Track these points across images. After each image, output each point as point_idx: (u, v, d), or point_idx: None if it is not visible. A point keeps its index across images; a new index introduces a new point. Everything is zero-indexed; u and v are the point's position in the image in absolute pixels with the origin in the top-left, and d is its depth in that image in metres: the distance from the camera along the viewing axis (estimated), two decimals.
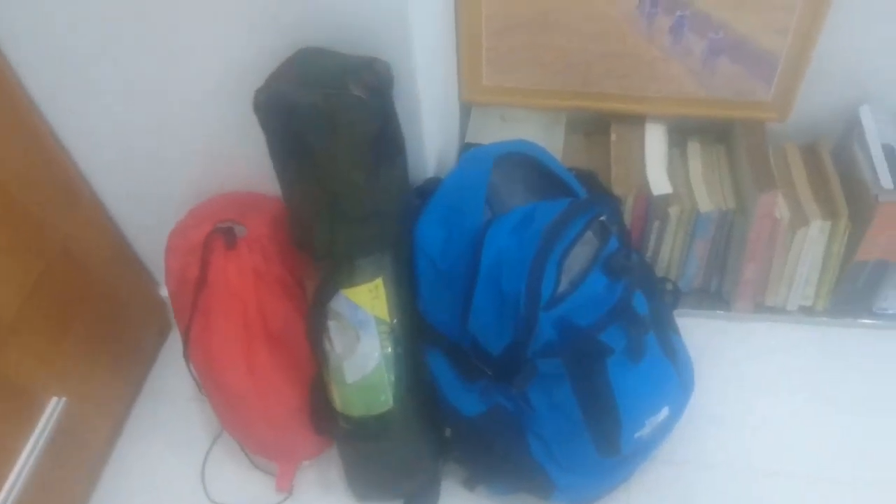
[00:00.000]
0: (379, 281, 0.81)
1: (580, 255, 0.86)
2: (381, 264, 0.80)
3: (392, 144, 0.75)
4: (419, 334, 0.90)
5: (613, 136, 1.12)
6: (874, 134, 1.05)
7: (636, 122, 1.13)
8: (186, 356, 0.92)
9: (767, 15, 0.98)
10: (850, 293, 1.14)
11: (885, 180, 1.00)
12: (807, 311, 1.17)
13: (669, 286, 1.10)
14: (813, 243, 1.07)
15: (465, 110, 1.18)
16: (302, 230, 0.77)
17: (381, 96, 0.71)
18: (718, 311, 1.18)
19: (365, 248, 0.77)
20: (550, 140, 1.13)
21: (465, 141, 1.02)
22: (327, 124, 0.68)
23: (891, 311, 1.16)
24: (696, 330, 1.11)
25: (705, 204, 1.06)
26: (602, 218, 0.91)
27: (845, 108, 1.10)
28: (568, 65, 1.08)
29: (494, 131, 1.14)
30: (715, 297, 1.20)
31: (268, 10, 0.75)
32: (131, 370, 1.18)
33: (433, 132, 0.93)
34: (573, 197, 0.94)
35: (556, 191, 0.94)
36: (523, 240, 0.84)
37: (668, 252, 1.13)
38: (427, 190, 0.90)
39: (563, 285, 0.84)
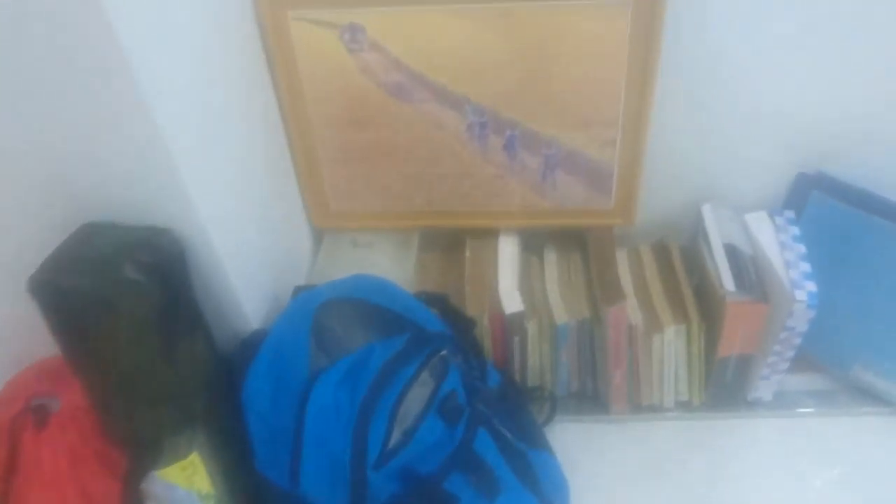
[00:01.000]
0: (194, 456, 0.75)
1: (416, 398, 0.82)
2: (194, 439, 0.74)
3: (186, 319, 0.71)
4: (255, 496, 0.84)
5: (468, 253, 1.11)
6: (716, 233, 1.05)
7: (490, 235, 1.12)
8: None
9: (592, 131, 0.98)
10: (722, 386, 1.13)
11: (728, 281, 1.00)
12: (685, 406, 1.15)
13: (546, 394, 1.07)
14: (671, 346, 1.05)
15: (320, 235, 1.15)
16: (102, 416, 0.72)
17: (165, 272, 0.67)
18: (598, 415, 1.16)
19: (170, 428, 0.72)
20: (403, 262, 1.10)
21: (298, 285, 0.98)
22: (103, 312, 0.64)
23: (765, 399, 1.15)
24: (577, 434, 1.09)
25: (561, 315, 1.05)
26: (443, 353, 0.88)
27: (690, 206, 1.12)
28: (410, 187, 1.07)
29: (346, 258, 1.12)
30: (593, 399, 1.17)
31: (43, 185, 0.71)
32: None
33: (253, 283, 0.89)
34: (418, 330, 0.91)
35: (397, 326, 0.91)
36: (351, 393, 0.79)
37: (537, 361, 1.10)
38: (253, 342, 0.85)
39: (396, 436, 0.80)
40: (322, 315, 0.86)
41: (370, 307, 0.89)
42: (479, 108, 0.97)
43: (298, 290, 0.95)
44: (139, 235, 0.68)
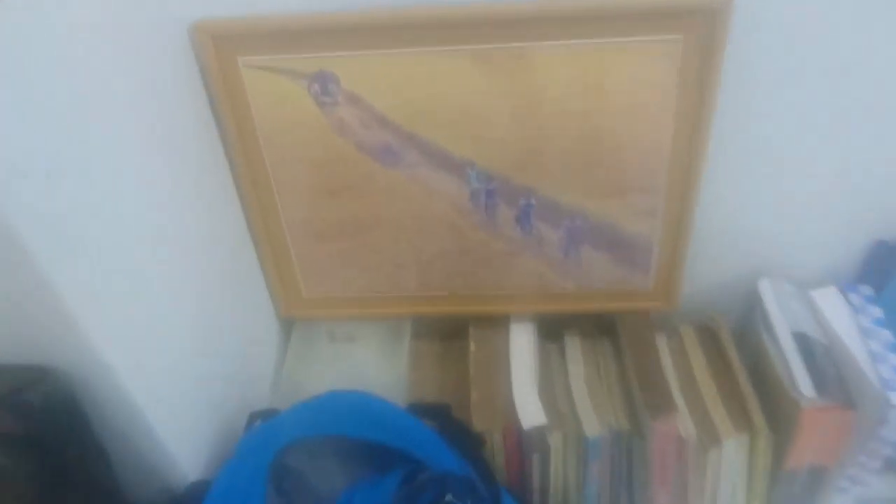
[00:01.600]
0: None
1: None
2: None
3: (83, 486, 0.49)
4: None
5: (472, 346, 0.90)
6: (780, 319, 0.85)
7: (500, 322, 0.91)
8: None
9: (627, 199, 0.78)
10: (788, 500, 0.91)
11: (805, 384, 0.79)
12: None
13: None
14: (731, 461, 0.84)
15: (288, 328, 0.94)
16: None
17: (45, 433, 0.46)
18: None
19: None
20: (393, 359, 0.89)
21: (254, 411, 0.77)
22: None
23: None
24: None
25: (592, 426, 0.83)
26: (447, 499, 0.66)
27: (740, 279, 0.92)
28: (400, 267, 0.87)
29: (321, 355, 0.90)
30: None
31: None
32: None
33: (189, 420, 0.68)
34: (413, 466, 0.70)
35: (386, 461, 0.70)
36: None
37: (561, 481, 0.89)
38: (189, 499, 0.64)
39: None
40: (285, 454, 0.65)
41: (349, 439, 0.68)
42: (485, 173, 0.77)
43: (254, 419, 0.73)
44: (6, 381, 0.47)
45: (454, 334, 0.94)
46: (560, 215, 0.80)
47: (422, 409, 0.80)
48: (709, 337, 0.92)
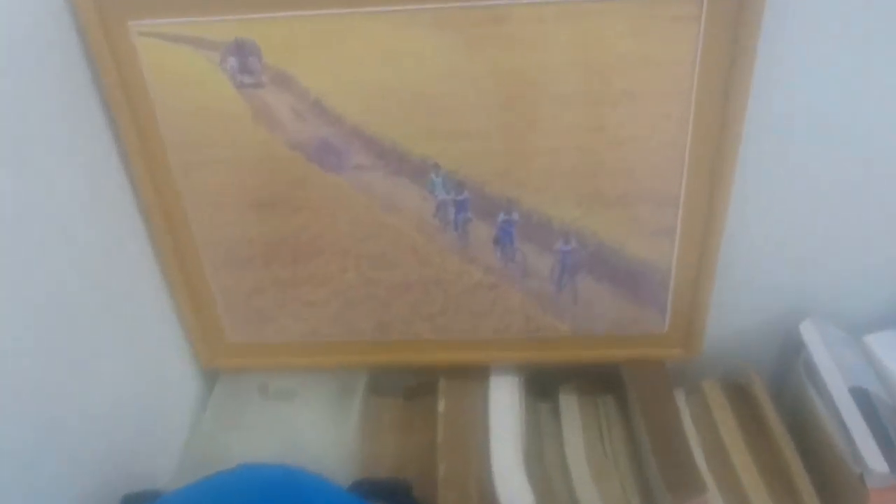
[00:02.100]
0: None
1: None
2: None
3: None
4: None
5: (442, 405, 0.71)
6: (832, 371, 0.67)
7: (477, 374, 0.73)
8: None
9: (636, 213, 0.61)
10: None
11: (871, 454, 0.61)
12: None
13: None
14: None
15: (212, 381, 0.75)
16: None
17: None
18: None
19: None
20: (341, 422, 0.70)
21: (128, 493, 0.57)
22: None
23: None
24: None
25: None
26: None
27: (779, 322, 0.74)
28: (350, 304, 0.68)
29: (250, 416, 0.71)
30: None
31: None
32: None
33: None
34: None
35: None
36: None
37: None
38: None
39: None
40: None
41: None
42: (453, 178, 0.60)
43: (128, 501, 0.54)
44: None
45: (420, 390, 0.75)
46: (551, 235, 0.63)
47: (373, 489, 0.61)
48: (739, 393, 0.74)
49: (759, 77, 0.54)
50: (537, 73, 0.55)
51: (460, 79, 0.55)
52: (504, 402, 0.70)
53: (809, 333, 0.71)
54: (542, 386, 0.75)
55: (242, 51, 0.55)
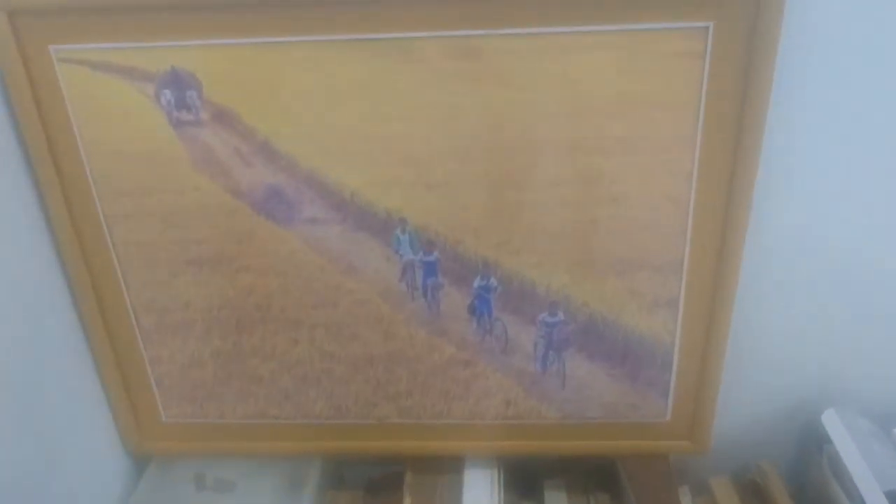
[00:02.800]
0: None
1: None
2: None
3: None
4: None
5: (407, 502, 0.60)
6: (863, 469, 0.57)
7: (448, 466, 0.63)
8: None
9: (633, 281, 0.53)
10: None
11: None
12: None
13: None
14: None
15: (141, 468, 0.65)
16: None
17: None
18: None
19: None
20: None
21: None
22: None
23: None
24: None
25: None
26: None
27: (796, 411, 0.65)
28: (302, 382, 0.59)
29: None
30: None
31: None
32: None
33: None
34: None
35: None
36: None
37: None
38: None
39: None
40: None
41: None
42: (422, 235, 0.52)
43: None
44: None
45: (384, 484, 0.65)
46: (535, 304, 0.54)
47: None
48: (754, 492, 0.64)
49: (773, 120, 0.47)
50: (517, 116, 0.48)
51: (430, 120, 0.48)
52: (480, 501, 0.60)
53: (833, 425, 0.61)
54: (524, 482, 0.65)
55: (179, 83, 0.48)
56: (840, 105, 0.50)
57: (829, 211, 0.54)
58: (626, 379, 0.57)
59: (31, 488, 0.53)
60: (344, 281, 0.55)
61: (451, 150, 0.49)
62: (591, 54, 0.46)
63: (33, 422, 0.53)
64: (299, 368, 0.59)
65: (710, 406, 0.58)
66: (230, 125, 0.49)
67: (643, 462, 0.61)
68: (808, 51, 0.47)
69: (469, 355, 0.57)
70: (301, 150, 0.50)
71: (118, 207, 0.53)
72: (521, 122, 0.48)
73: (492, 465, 0.63)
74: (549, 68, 0.46)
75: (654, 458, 0.61)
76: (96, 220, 0.53)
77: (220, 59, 0.47)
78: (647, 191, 0.50)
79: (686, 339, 0.55)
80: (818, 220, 0.55)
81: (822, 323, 0.61)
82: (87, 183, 0.52)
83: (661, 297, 0.54)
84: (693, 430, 0.59)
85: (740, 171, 0.48)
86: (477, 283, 0.54)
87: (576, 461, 0.65)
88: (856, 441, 0.61)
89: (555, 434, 0.60)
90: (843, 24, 0.47)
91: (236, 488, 0.62)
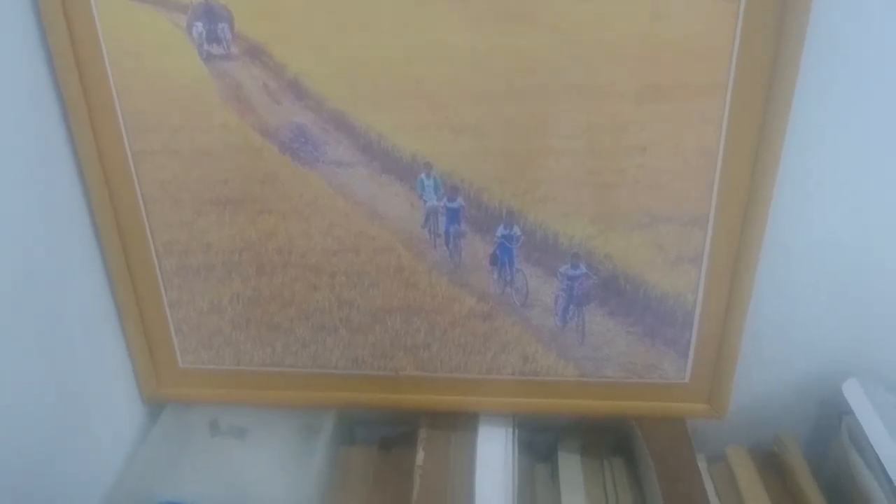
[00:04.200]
0: None
1: None
2: None
3: None
4: None
5: (420, 457, 0.60)
6: (884, 438, 0.56)
7: (464, 423, 0.62)
8: None
9: (656, 234, 0.52)
10: None
11: None
12: None
13: None
14: None
15: (157, 414, 0.65)
16: None
17: None
18: None
19: None
20: (302, 468, 0.59)
21: None
22: None
23: None
24: None
25: None
26: None
27: (817, 382, 0.64)
28: (320, 330, 0.59)
29: (196, 457, 0.60)
30: None
31: None
32: None
33: None
34: None
35: None
36: None
37: None
38: None
39: None
40: None
41: None
42: (448, 181, 0.52)
43: None
44: None
45: (396, 438, 0.64)
46: (557, 256, 0.54)
47: None
48: (771, 463, 0.63)
49: (808, 69, 0.46)
50: (548, 59, 0.47)
51: (460, 63, 0.48)
52: (493, 458, 0.59)
53: (854, 395, 0.60)
54: (539, 443, 0.65)
55: (211, 15, 0.48)
56: (879, 60, 0.49)
57: (858, 176, 0.54)
58: (646, 337, 0.57)
59: (51, 427, 0.53)
60: (367, 227, 0.55)
61: (479, 95, 0.49)
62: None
63: (55, 363, 0.53)
64: (317, 316, 0.59)
65: (729, 368, 0.57)
66: (260, 60, 0.49)
67: (660, 424, 0.60)
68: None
69: (489, 308, 0.57)
70: (330, 89, 0.50)
71: (145, 144, 0.53)
72: (551, 66, 0.48)
73: (507, 422, 0.62)
74: (581, 10, 0.46)
75: (671, 420, 0.60)
76: (123, 156, 0.53)
77: None
78: (676, 140, 0.49)
79: (708, 298, 0.55)
80: (845, 186, 0.54)
81: (846, 294, 0.60)
82: (117, 118, 0.52)
83: (686, 252, 0.53)
84: (711, 394, 0.59)
85: (771, 121, 0.47)
86: (500, 231, 0.54)
87: (591, 423, 0.65)
88: (877, 410, 0.60)
89: (572, 392, 0.60)
90: None
91: (249, 435, 0.62)
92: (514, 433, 0.62)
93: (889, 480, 0.54)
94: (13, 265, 0.48)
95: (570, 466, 0.63)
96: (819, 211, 0.55)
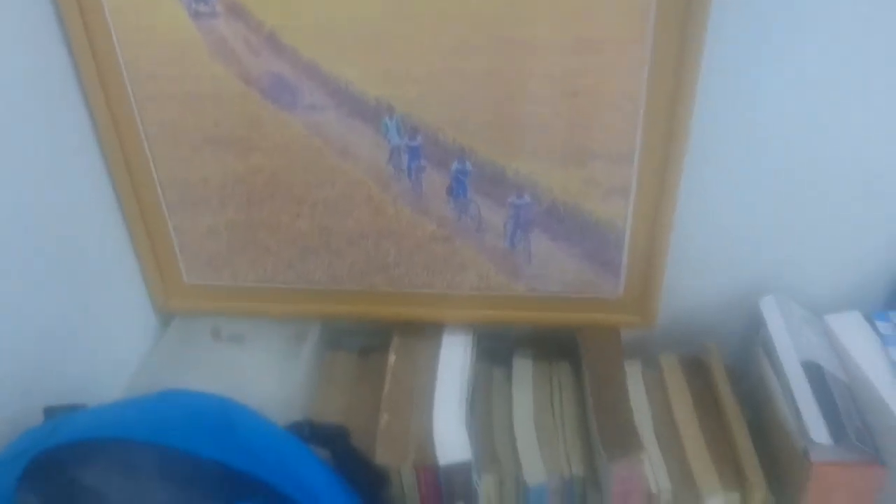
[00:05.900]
0: None
1: None
2: None
3: None
4: None
5: (392, 358, 0.70)
6: (787, 345, 0.66)
7: (430, 332, 0.72)
8: None
9: (591, 169, 0.60)
10: None
11: (817, 430, 0.59)
12: None
13: None
14: None
15: (167, 322, 0.75)
16: None
17: None
18: None
19: None
20: (290, 369, 0.70)
21: (50, 405, 0.55)
22: None
23: None
24: None
25: (535, 471, 0.63)
26: None
27: (736, 297, 0.73)
28: (305, 252, 0.68)
29: (199, 359, 0.71)
30: None
31: None
32: None
33: None
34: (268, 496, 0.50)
35: (242, 491, 0.50)
36: None
37: None
38: None
39: None
40: (77, 467, 0.46)
41: (176, 457, 0.49)
42: (408, 122, 0.60)
43: (51, 414, 0.53)
44: None
45: (374, 344, 0.74)
46: (505, 188, 0.62)
47: (311, 432, 0.60)
48: (696, 369, 0.72)
49: (715, 24, 0.53)
50: (494, 16, 0.54)
51: (418, 18, 0.55)
52: (454, 361, 0.69)
53: (770, 309, 0.69)
54: (499, 351, 0.74)
55: None
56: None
57: (773, 105, 0.60)
58: (584, 258, 0.65)
59: (66, 335, 0.62)
60: (340, 163, 0.63)
61: (433, 48, 0.56)
62: None
63: (78, 283, 0.63)
64: (301, 241, 0.68)
65: (657, 285, 0.66)
66: (241, 17, 0.57)
67: (597, 334, 0.70)
68: None
69: (447, 232, 0.65)
70: (302, 42, 0.57)
71: (146, 90, 0.61)
72: (497, 24, 0.55)
73: (467, 331, 0.72)
74: None
75: (607, 330, 0.70)
76: (128, 101, 0.61)
77: None
78: (605, 87, 0.57)
79: (637, 224, 0.63)
80: (761, 115, 0.61)
81: (766, 214, 0.67)
82: (119, 66, 0.60)
83: (615, 185, 0.61)
84: (642, 306, 0.68)
85: (685, 66, 0.54)
86: (455, 166, 0.62)
87: (542, 335, 0.74)
88: (786, 323, 0.69)
89: (522, 305, 0.69)
90: None
91: (247, 341, 0.72)
92: (473, 341, 0.72)
93: (788, 384, 0.63)
94: (38, 198, 0.57)
95: (523, 369, 0.73)
96: (738, 144, 0.62)
